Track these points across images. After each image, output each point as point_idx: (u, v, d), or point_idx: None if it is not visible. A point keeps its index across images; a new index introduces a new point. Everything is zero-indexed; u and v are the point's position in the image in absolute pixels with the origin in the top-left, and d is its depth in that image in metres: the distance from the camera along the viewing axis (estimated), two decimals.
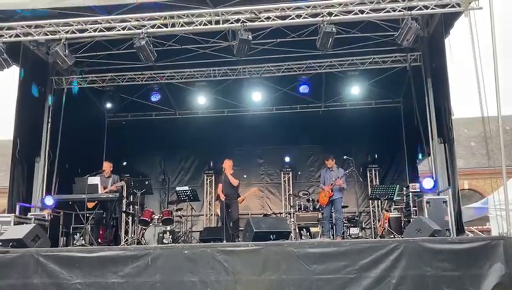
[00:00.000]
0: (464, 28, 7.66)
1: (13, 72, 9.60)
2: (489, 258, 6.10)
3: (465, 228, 8.09)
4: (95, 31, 8.54)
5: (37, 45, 9.09)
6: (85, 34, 8.62)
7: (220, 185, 9.74)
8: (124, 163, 13.30)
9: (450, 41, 8.51)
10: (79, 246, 8.05)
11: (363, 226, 11.92)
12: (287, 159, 13.35)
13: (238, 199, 10.25)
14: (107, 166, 9.66)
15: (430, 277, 6.10)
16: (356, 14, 8.04)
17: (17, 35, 8.58)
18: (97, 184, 8.68)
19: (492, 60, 7.21)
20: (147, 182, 10.12)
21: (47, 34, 8.61)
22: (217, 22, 8.33)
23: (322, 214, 10.20)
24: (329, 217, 9.83)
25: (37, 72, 10.30)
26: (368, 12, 8.00)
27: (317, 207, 11.22)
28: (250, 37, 8.32)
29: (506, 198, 6.72)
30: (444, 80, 8.61)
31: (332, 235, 9.79)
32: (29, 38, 8.70)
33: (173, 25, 8.38)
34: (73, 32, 8.54)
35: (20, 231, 7.22)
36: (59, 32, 8.53)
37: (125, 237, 11.44)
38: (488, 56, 7.20)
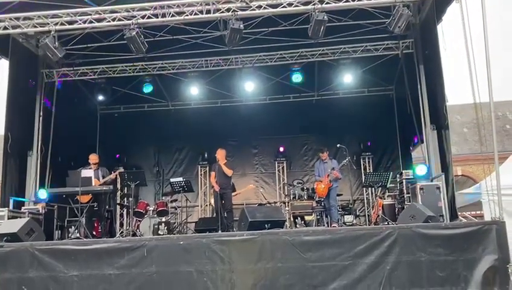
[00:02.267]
0: (456, 14, 7.66)
1: (2, 66, 9.50)
2: (482, 243, 6.18)
3: (459, 213, 8.16)
4: (84, 22, 8.46)
5: (26, 37, 9.00)
6: (75, 26, 8.56)
7: (213, 174, 9.73)
8: (119, 158, 13.27)
9: (443, 28, 8.51)
10: (74, 239, 8.05)
11: (358, 213, 12.00)
12: (281, 149, 13.35)
13: (234, 193, 10.26)
14: (95, 158, 9.55)
15: (424, 262, 6.17)
16: (347, 1, 8.03)
17: (5, 28, 8.48)
18: (91, 177, 8.66)
19: (484, 46, 7.21)
20: (141, 174, 10.09)
21: (36, 26, 8.52)
22: (208, 12, 8.27)
23: (319, 203, 10.23)
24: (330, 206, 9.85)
25: (27, 65, 10.19)
26: (359, 0, 7.97)
27: (311, 196, 11.25)
28: (241, 26, 8.28)
29: (498, 183, 6.77)
30: (437, 66, 8.61)
31: (327, 223, 9.83)
32: (18, 30, 8.62)
33: (163, 15, 8.31)
34: (62, 24, 8.46)
35: (14, 225, 7.20)
36: (48, 24, 8.44)
37: (120, 229, 11.44)
38: (481, 42, 7.19)
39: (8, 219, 8.27)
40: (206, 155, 13.29)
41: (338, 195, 11.43)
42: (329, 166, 9.75)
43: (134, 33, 8.32)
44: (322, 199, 10.09)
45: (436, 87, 8.83)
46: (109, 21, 8.43)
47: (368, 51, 10.60)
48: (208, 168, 13.12)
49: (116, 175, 9.93)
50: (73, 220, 8.98)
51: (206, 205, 13.10)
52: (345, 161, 9.79)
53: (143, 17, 8.36)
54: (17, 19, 8.43)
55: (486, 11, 7.06)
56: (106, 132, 13.28)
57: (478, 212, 9.20)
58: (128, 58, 10.42)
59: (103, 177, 9.41)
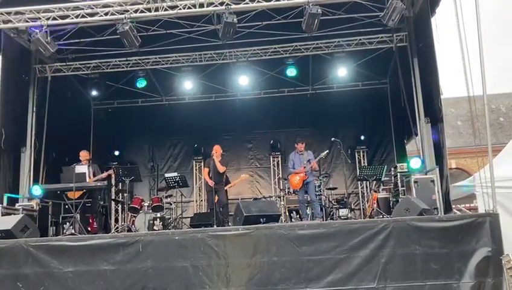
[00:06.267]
0: (450, 6, 7.65)
1: None
2: (476, 235, 6.23)
3: (453, 206, 8.20)
4: (77, 17, 8.39)
5: (17, 32, 8.91)
6: (67, 21, 8.48)
7: (206, 170, 9.74)
8: (113, 154, 13.23)
9: (436, 21, 8.51)
10: (69, 235, 8.03)
11: (352, 207, 12.04)
12: (277, 143, 13.34)
13: (228, 186, 10.26)
14: (86, 155, 9.50)
15: (418, 255, 6.21)
16: None
17: None
18: (85, 173, 8.66)
19: (477, 39, 7.21)
20: (135, 170, 10.06)
21: (28, 21, 8.44)
22: (201, 5, 8.23)
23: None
24: (306, 201, 9.68)
25: (19, 61, 10.10)
26: None
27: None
28: (235, 20, 8.25)
29: (492, 176, 6.80)
30: (431, 59, 8.62)
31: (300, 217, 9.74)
32: (10, 25, 8.53)
33: (157, 9, 8.26)
34: (54, 18, 8.39)
35: (9, 222, 7.16)
36: (40, 19, 8.36)
37: (115, 225, 11.43)
38: (475, 35, 7.19)
39: (2, 215, 8.23)
40: (200, 150, 13.27)
41: (332, 189, 11.48)
42: (305, 158, 9.42)
43: (127, 27, 8.27)
44: (296, 191, 9.76)
45: (431, 80, 8.84)
46: (102, 15, 8.36)
47: (362, 45, 10.59)
48: (202, 163, 13.10)
49: (109, 174, 9.86)
50: (67, 216, 8.96)
51: (202, 200, 13.09)
52: (322, 155, 9.58)
53: (136, 12, 8.30)
54: (8, 13, 8.34)
55: (480, 4, 7.07)
56: (100, 127, 13.23)
57: (472, 204, 9.26)
58: (121, 52, 10.35)
59: (94, 173, 9.37)
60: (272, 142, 13.41)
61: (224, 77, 12.29)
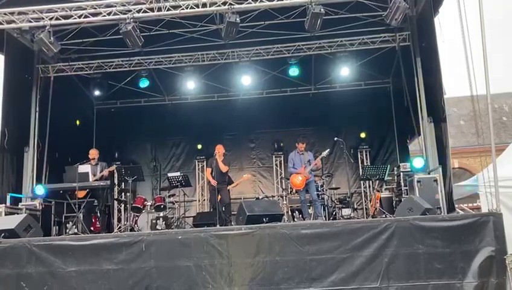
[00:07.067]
0: (453, 6, 7.63)
1: None
2: (479, 235, 6.21)
3: (456, 205, 8.18)
4: (80, 17, 8.41)
5: (21, 32, 8.95)
6: (70, 21, 8.50)
7: (209, 170, 9.75)
8: (116, 154, 13.24)
9: (440, 20, 8.51)
10: (72, 234, 8.05)
11: (355, 206, 12.02)
12: (279, 143, 13.34)
13: (231, 186, 10.27)
14: (95, 153, 9.54)
15: (421, 254, 6.20)
16: None
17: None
18: (87, 172, 8.67)
19: (481, 38, 7.18)
20: (138, 169, 10.07)
21: (31, 21, 8.46)
22: (204, 5, 8.24)
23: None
24: (308, 201, 9.64)
25: (22, 61, 10.13)
26: None
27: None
28: (237, 19, 8.25)
29: (495, 175, 6.78)
30: (434, 59, 8.60)
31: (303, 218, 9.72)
32: (13, 25, 8.56)
33: (159, 9, 8.27)
34: (57, 18, 8.41)
35: (12, 222, 7.19)
36: (43, 19, 8.39)
37: (118, 225, 11.44)
38: (478, 34, 7.16)
39: (6, 215, 8.26)
40: (203, 149, 13.28)
41: (335, 188, 11.48)
42: (306, 158, 9.42)
43: (130, 27, 8.28)
44: (298, 191, 9.68)
45: (433, 80, 8.83)
46: (105, 15, 8.38)
47: (364, 44, 10.58)
48: (205, 163, 13.11)
49: (111, 171, 9.86)
50: (70, 215, 8.98)
51: (204, 200, 13.10)
52: (324, 154, 9.60)
53: (139, 11, 8.31)
54: (12, 13, 8.37)
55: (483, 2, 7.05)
56: (103, 127, 13.25)
57: (475, 204, 9.25)
58: (124, 52, 10.39)
59: (101, 172, 9.40)
60: (274, 141, 13.40)
61: (227, 76, 12.29)
